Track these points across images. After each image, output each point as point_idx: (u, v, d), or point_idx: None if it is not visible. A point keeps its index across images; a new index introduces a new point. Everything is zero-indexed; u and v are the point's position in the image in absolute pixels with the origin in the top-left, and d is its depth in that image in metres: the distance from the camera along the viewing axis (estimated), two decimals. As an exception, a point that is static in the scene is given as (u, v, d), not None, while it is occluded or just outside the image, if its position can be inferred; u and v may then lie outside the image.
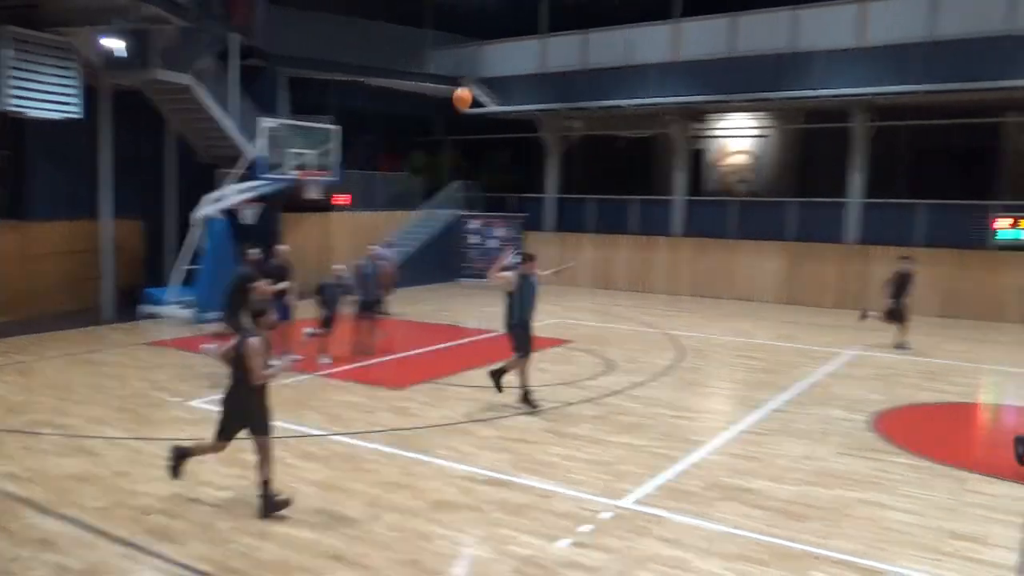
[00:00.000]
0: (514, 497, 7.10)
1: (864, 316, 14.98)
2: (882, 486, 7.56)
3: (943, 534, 6.51)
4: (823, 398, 10.89)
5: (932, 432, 9.73)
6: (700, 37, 21.02)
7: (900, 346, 14.34)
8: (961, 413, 10.63)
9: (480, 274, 21.25)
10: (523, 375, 9.89)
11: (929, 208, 19.32)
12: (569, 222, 24.24)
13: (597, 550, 6.10)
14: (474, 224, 24.15)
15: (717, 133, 25.33)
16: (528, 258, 10.02)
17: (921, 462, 8.28)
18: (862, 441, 8.99)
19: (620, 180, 25.29)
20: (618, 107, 22.08)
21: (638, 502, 7.10)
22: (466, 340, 14.77)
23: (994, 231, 18.28)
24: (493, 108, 23.72)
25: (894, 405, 10.58)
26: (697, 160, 25.15)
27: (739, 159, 25.31)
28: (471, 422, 9.37)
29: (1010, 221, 18.17)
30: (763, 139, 24.98)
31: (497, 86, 23.96)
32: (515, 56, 24.01)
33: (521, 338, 9.71)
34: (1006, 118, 21.11)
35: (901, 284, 14.26)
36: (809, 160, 24.80)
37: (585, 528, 6.48)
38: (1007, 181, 21.88)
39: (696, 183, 24.69)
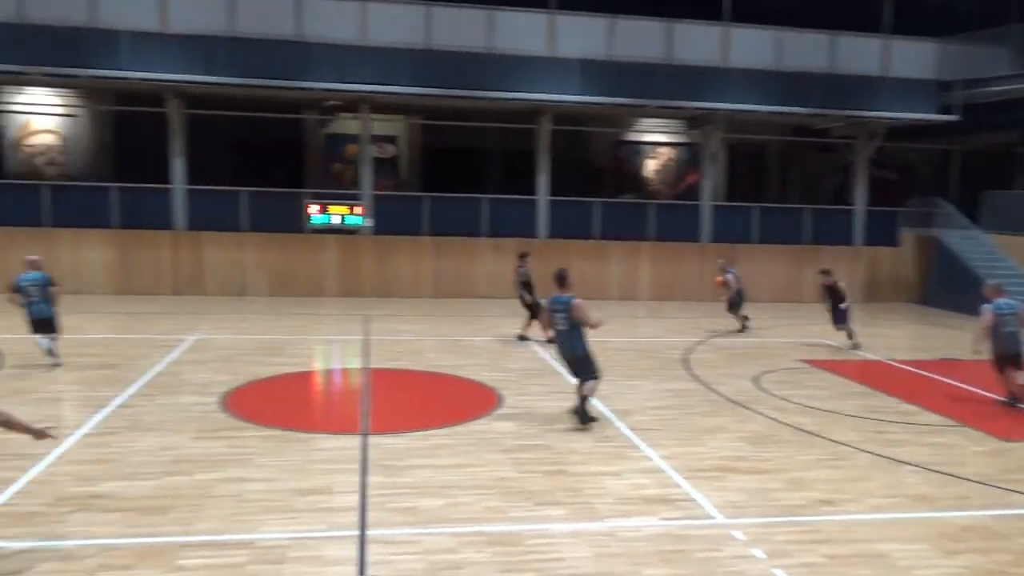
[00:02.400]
0: None
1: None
2: (238, 462, 7.78)
3: (295, 493, 7.02)
4: (172, 386, 10.68)
5: (277, 402, 10.38)
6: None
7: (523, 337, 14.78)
8: (300, 381, 11.59)
9: None
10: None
11: (252, 195, 20.49)
12: None
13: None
14: None
15: (17, 108, 22.36)
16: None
17: (271, 432, 8.78)
18: (216, 422, 9.09)
19: None
20: None
21: (-35, 541, 5.91)
22: None
23: (309, 216, 20.40)
24: None
25: (240, 383, 10.98)
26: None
27: (46, 139, 22.80)
28: None
29: (319, 207, 20.50)
30: (73, 118, 22.97)
31: None
32: None
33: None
34: (305, 115, 23.69)
35: None
36: (126, 144, 23.79)
37: None
38: (312, 171, 24.65)
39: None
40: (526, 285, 14.84)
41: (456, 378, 11.83)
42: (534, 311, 14.45)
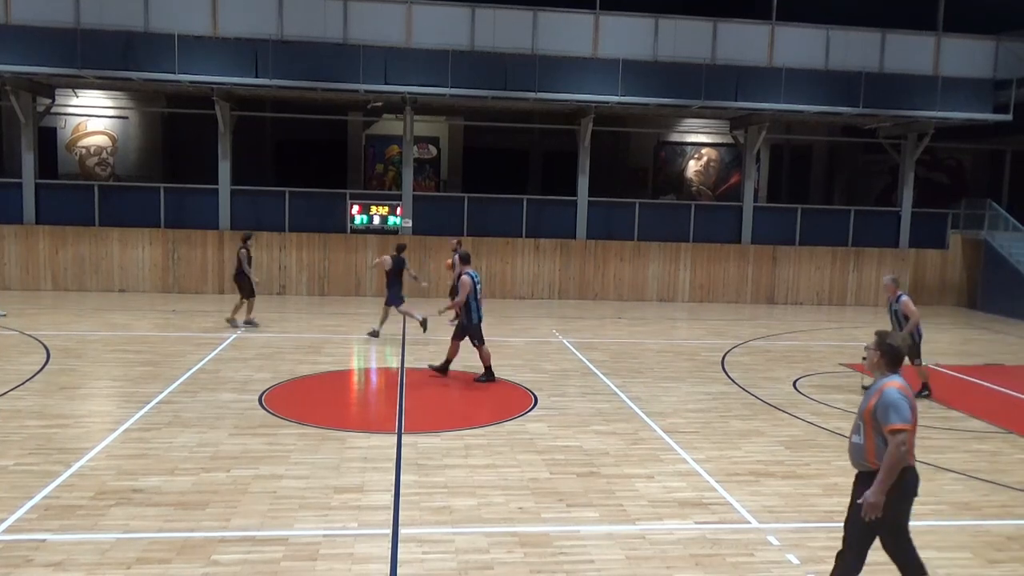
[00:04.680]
0: None
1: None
2: (275, 459, 7.90)
3: (330, 491, 7.10)
4: (213, 383, 10.88)
5: (315, 401, 10.51)
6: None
7: (248, 323, 15.27)
8: (337, 380, 11.72)
9: None
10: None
11: (294, 195, 20.79)
12: None
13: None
14: None
15: (71, 111, 23.03)
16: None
17: (307, 430, 8.90)
18: (254, 419, 9.25)
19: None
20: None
21: (10, 531, 6.09)
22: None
23: (352, 217, 20.67)
24: None
25: (279, 381, 11.15)
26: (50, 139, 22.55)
27: (98, 140, 23.46)
28: None
29: (359, 207, 20.76)
30: (124, 120, 23.59)
31: None
32: None
33: None
34: (349, 116, 23.96)
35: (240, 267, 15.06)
36: (175, 145, 24.35)
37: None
38: (354, 172, 24.93)
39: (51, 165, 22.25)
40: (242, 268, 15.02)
41: (492, 378, 11.85)
42: (247, 294, 15.03)
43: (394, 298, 14.61)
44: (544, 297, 21.39)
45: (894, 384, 4.87)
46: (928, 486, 7.75)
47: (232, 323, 15.25)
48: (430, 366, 11.93)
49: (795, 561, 6.04)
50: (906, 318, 11.02)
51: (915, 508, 7.14)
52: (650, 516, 6.81)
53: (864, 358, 5.32)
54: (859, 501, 5.00)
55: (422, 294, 18.84)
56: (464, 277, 11.30)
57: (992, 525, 6.87)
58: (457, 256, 12.33)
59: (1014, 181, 25.59)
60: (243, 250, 15.06)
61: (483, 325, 11.57)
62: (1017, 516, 7.11)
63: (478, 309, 11.42)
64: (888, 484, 4.81)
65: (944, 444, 9.22)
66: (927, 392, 11.25)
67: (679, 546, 6.24)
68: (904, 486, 4.91)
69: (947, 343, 16.77)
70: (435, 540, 6.20)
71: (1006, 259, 21.58)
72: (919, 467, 8.20)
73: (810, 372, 12.90)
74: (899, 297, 11.16)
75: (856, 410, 5.23)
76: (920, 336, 11.16)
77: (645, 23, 20.22)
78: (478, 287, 11.47)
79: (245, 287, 15.11)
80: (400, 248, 15.05)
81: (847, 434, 9.30)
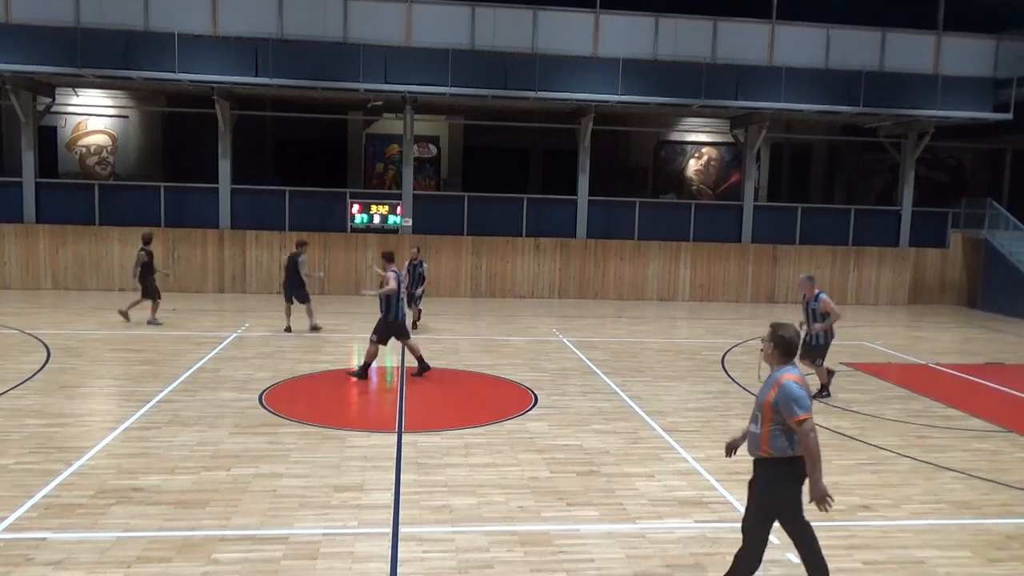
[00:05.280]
0: None
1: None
2: (275, 458, 7.90)
3: (330, 490, 7.10)
4: (213, 382, 10.88)
5: (315, 399, 10.52)
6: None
7: (151, 322, 15.23)
8: (337, 379, 11.70)
9: None
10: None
11: (294, 194, 20.79)
12: None
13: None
14: None
15: (71, 110, 23.02)
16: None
17: (308, 428, 8.90)
18: (254, 418, 9.24)
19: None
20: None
21: (10, 529, 6.09)
22: None
23: (352, 216, 20.66)
24: None
25: (279, 380, 11.15)
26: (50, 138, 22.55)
27: (98, 139, 23.45)
28: None
29: (359, 206, 20.75)
30: (124, 119, 23.58)
31: None
32: None
33: None
34: (349, 115, 23.95)
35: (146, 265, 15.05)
36: (175, 144, 24.35)
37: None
38: (354, 171, 24.92)
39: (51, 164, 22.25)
40: (147, 267, 15.02)
41: (492, 377, 11.86)
42: (151, 294, 15.03)
43: (301, 294, 15.03)
44: (544, 296, 21.39)
45: (790, 376, 5.10)
46: (928, 485, 7.78)
47: (153, 322, 15.15)
48: (413, 374, 11.71)
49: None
50: (824, 315, 10.93)
51: (916, 507, 7.22)
52: (650, 515, 6.81)
53: (761, 350, 5.48)
54: (810, 501, 5.16)
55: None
56: (389, 274, 11.46)
57: (992, 524, 6.87)
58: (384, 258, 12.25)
59: (1014, 180, 25.57)
60: (142, 251, 15.11)
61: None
62: (1017, 515, 7.11)
63: (399, 307, 11.59)
64: (820, 470, 5.05)
65: (944, 443, 9.21)
66: (827, 393, 11.19)
67: (679, 545, 6.24)
68: (797, 472, 5.15)
69: (947, 342, 16.77)
70: (435, 539, 6.20)
71: (1006, 258, 21.57)
72: (919, 466, 8.30)
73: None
74: (817, 295, 11.05)
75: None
76: (832, 337, 11.04)
77: (645, 22, 20.21)
78: (402, 285, 11.82)
79: (146, 287, 15.10)
80: (299, 245, 15.28)
81: (848, 433, 9.35)
